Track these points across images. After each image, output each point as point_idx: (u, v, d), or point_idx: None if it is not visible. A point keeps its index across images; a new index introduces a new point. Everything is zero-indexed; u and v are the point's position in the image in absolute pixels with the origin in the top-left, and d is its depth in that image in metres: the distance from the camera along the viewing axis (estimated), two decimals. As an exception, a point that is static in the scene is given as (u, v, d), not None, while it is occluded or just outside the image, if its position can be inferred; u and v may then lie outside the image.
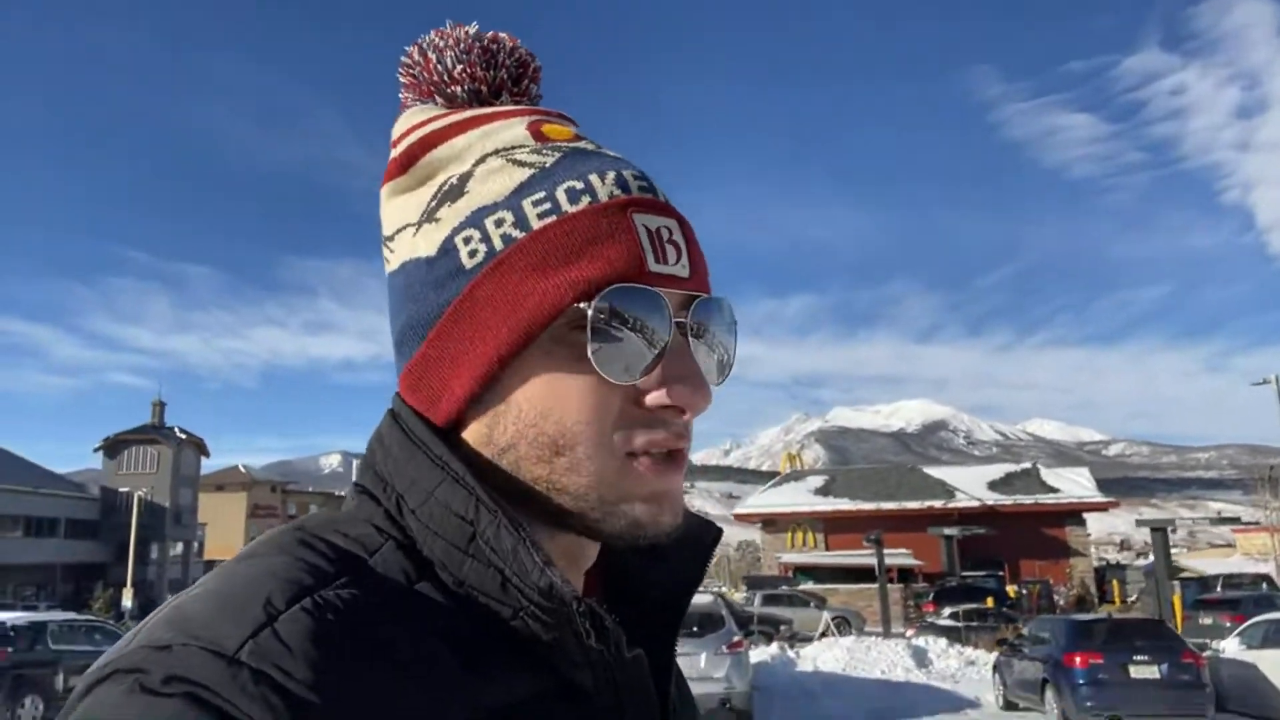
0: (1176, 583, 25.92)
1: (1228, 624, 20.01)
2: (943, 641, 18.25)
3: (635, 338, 0.51)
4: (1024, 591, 26.88)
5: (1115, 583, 33.87)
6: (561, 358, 0.52)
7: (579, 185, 0.54)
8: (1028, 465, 41.92)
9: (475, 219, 0.54)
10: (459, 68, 0.62)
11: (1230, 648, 12.01)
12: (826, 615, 23.86)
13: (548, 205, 0.53)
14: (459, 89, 0.62)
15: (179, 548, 59.15)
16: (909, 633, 21.49)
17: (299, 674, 0.42)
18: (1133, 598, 30.62)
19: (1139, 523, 26.28)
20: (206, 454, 65.38)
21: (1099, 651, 10.32)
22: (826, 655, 17.27)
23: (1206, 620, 20.72)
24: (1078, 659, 10.32)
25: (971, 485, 39.33)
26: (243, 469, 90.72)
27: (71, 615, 14.90)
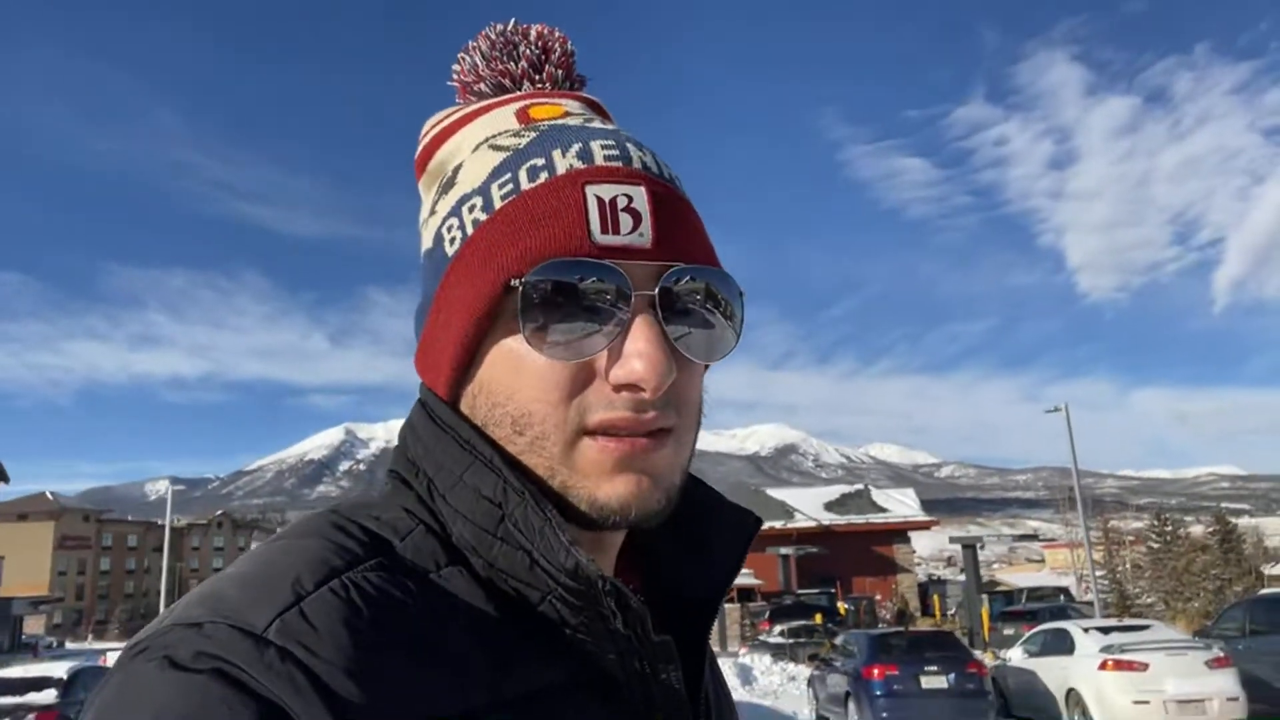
0: (985, 596, 27.95)
1: (1025, 633, 21.82)
2: (767, 659, 18.76)
3: (580, 313, 0.50)
4: (851, 608, 28.14)
5: (936, 597, 36.00)
6: (518, 339, 0.52)
7: (540, 162, 0.53)
8: (860, 486, 44.11)
9: (456, 208, 0.56)
10: (484, 64, 0.64)
11: (1015, 656, 12.91)
12: (665, 637, 24.03)
13: (510, 186, 0.53)
14: (484, 85, 0.64)
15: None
16: (741, 651, 21.98)
17: (324, 653, 0.42)
18: (951, 610, 32.70)
19: (951, 539, 28.11)
20: (5, 479, 58.88)
21: (895, 664, 10.85)
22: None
23: (1009, 630, 22.40)
24: (875, 671, 10.81)
25: (809, 506, 40.99)
26: (50, 496, 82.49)
27: None
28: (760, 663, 18.41)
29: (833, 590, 32.74)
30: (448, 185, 0.58)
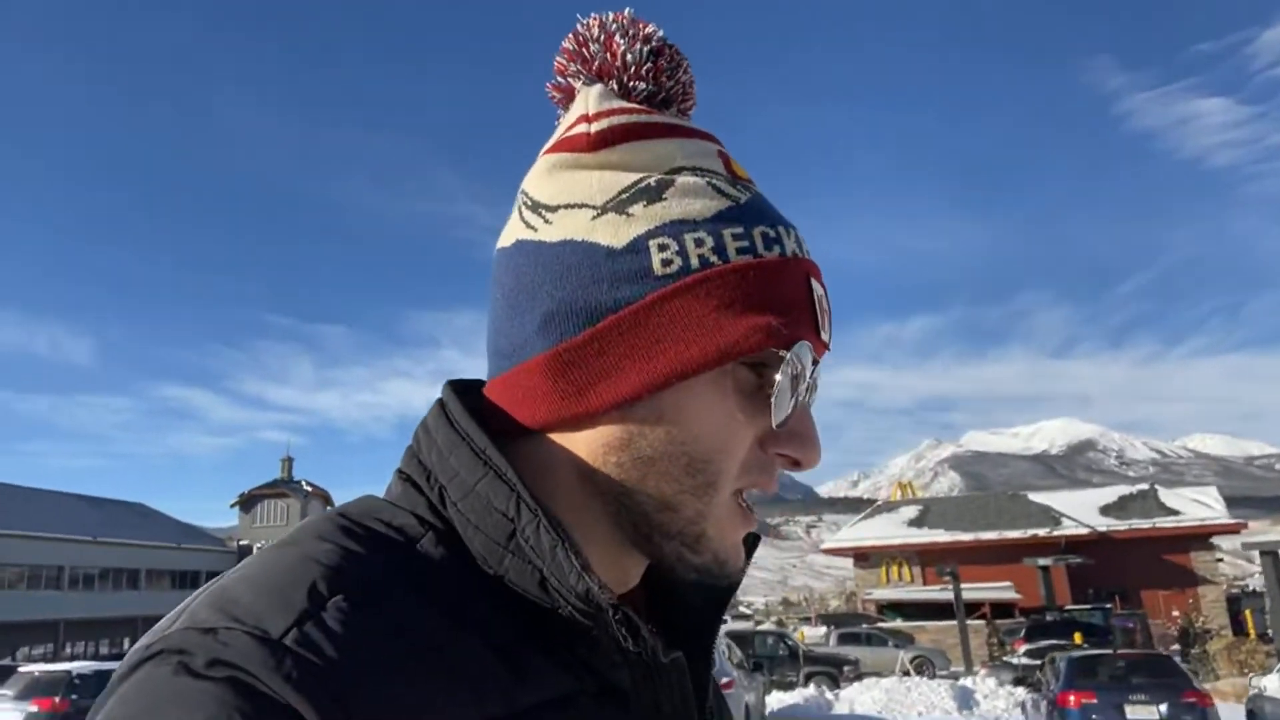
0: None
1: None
2: (992, 681, 17.30)
3: (793, 390, 0.53)
4: (1120, 625, 25.00)
5: (1249, 612, 30.89)
6: (724, 389, 0.53)
7: (771, 233, 0.55)
8: (1145, 487, 38.94)
9: (674, 229, 0.53)
10: (646, 66, 0.60)
11: (1272, 685, 10.99)
12: (903, 655, 22.97)
13: (745, 243, 0.54)
14: (641, 85, 0.60)
15: (309, 596, 62.56)
16: (981, 672, 20.45)
17: (341, 663, 0.42)
18: (1270, 628, 27.89)
19: (1244, 545, 24.08)
20: (332, 504, 69.17)
21: (1094, 690, 9.74)
22: (864, 697, 16.67)
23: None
24: (1072, 699, 9.76)
25: (1081, 511, 36.93)
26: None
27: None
28: (984, 685, 17.03)
29: (1108, 606, 29.27)
30: (651, 195, 0.54)
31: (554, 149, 0.58)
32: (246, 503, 63.76)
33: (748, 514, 0.56)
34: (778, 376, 0.52)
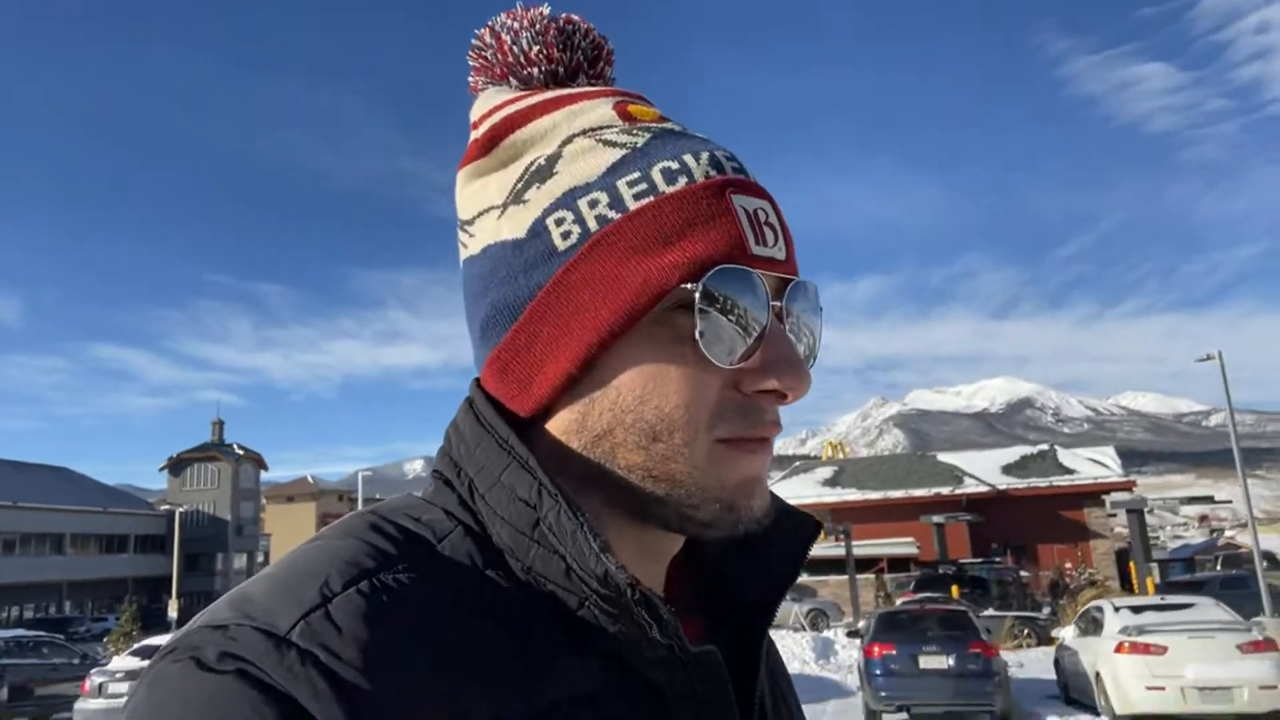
0: (1156, 565, 25.27)
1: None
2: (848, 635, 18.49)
3: (736, 321, 0.50)
4: (1002, 579, 26.58)
5: (1132, 565, 32.95)
6: (661, 341, 0.51)
7: (674, 165, 0.52)
8: (1045, 447, 40.91)
9: (567, 200, 0.53)
10: (535, 49, 0.60)
11: (1068, 636, 12.10)
12: (796, 608, 24.19)
13: (643, 186, 0.52)
14: (535, 70, 0.61)
15: (244, 558, 62.60)
16: (859, 624, 21.70)
17: (346, 655, 0.42)
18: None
19: (1113, 505, 25.63)
20: (265, 468, 68.87)
21: (894, 643, 10.67)
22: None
23: (1172, 603, 20.40)
24: (876, 649, 10.69)
25: (985, 470, 38.70)
26: (311, 480, 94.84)
27: (19, 633, 16.72)
28: (843, 638, 18.20)
29: (998, 560, 30.99)
30: (540, 174, 0.54)
31: (460, 166, 0.60)
32: (176, 466, 62.67)
33: (749, 455, 0.52)
34: (696, 315, 0.49)
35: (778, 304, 0.53)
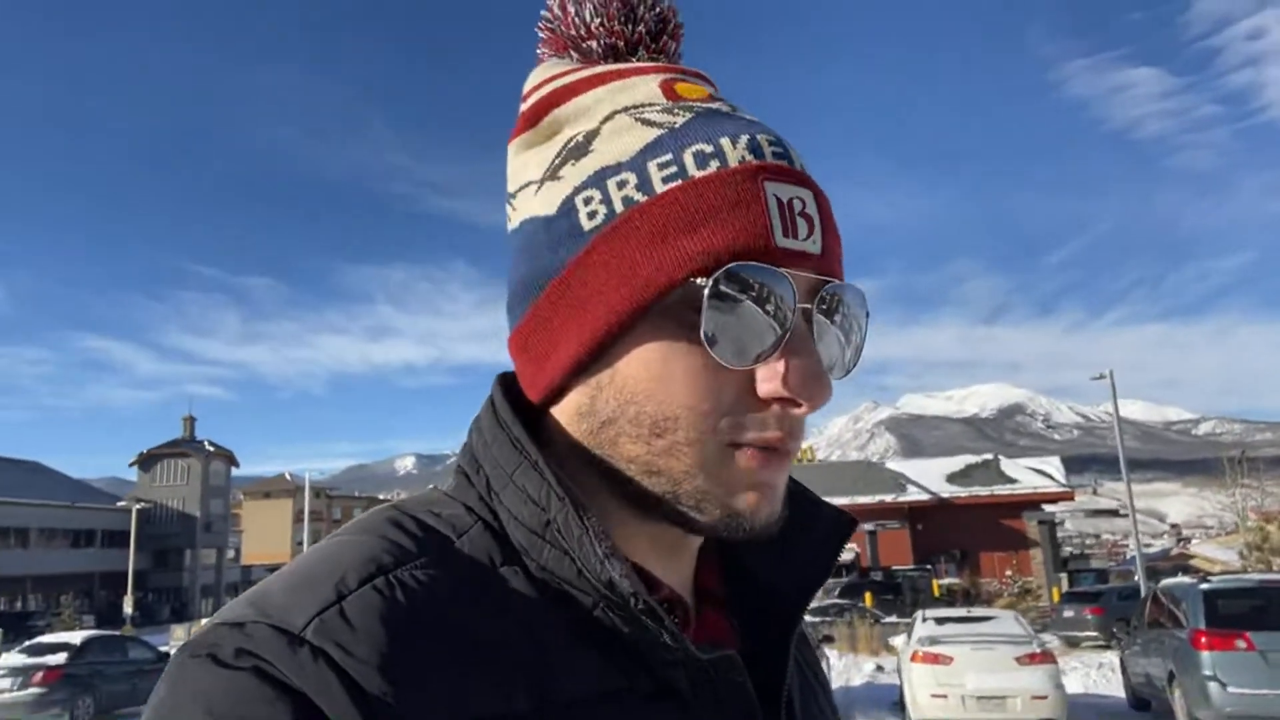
0: (1064, 575, 25.96)
1: (1088, 616, 20.27)
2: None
3: (754, 320, 0.47)
4: (914, 587, 27.31)
5: (1065, 575, 33.66)
6: (672, 334, 0.49)
7: (708, 149, 0.50)
8: (989, 456, 41.63)
9: (598, 179, 0.51)
10: (596, 21, 0.59)
11: (899, 643, 12.62)
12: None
13: (674, 169, 0.50)
14: (595, 43, 0.59)
15: (213, 555, 62.97)
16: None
17: (359, 653, 0.42)
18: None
19: (1026, 517, 26.32)
20: (236, 464, 69.19)
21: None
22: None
23: (1069, 613, 20.99)
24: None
25: (930, 478, 39.41)
26: (289, 476, 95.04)
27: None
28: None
29: (928, 567, 31.69)
30: (578, 151, 0.53)
31: (510, 139, 0.59)
32: (146, 461, 62.80)
33: (757, 462, 0.49)
34: (703, 311, 0.47)
35: (808, 305, 0.50)
